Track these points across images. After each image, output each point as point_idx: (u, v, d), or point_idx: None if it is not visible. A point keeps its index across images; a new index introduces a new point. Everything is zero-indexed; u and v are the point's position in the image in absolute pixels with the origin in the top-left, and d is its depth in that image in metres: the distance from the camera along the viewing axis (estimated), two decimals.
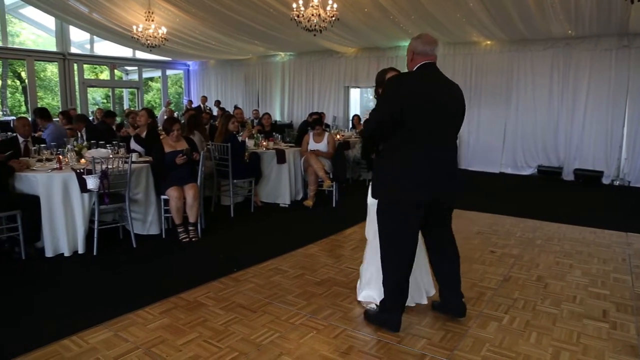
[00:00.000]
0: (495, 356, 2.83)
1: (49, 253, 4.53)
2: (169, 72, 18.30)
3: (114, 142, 5.64)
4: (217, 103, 14.54)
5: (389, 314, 3.10)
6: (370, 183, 3.23)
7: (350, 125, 11.24)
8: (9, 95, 17.75)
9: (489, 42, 10.75)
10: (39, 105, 13.53)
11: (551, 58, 10.01)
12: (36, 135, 7.20)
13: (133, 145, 6.01)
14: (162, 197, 5.18)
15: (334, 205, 6.89)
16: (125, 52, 15.80)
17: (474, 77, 11.08)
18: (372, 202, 3.28)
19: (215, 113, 12.96)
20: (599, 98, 9.53)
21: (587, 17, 8.12)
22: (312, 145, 7.05)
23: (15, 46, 14.60)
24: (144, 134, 6.16)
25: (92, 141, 5.54)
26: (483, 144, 11.04)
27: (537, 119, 10.28)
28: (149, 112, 6.48)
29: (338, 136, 8.22)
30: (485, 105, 10.97)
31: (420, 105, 2.84)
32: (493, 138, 10.88)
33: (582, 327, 3.23)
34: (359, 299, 3.55)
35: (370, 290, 3.46)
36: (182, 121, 6.99)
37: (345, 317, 3.34)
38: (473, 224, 6.00)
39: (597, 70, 9.52)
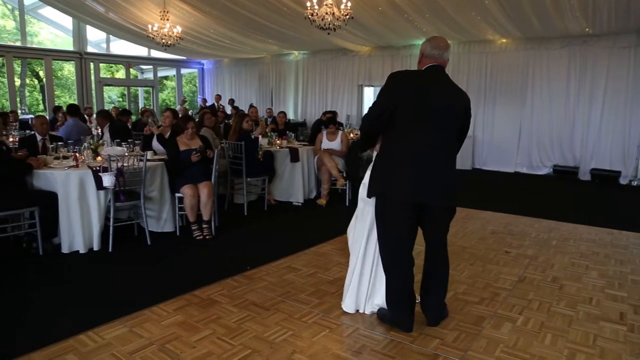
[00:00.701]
0: (510, 357, 2.81)
1: (65, 249, 4.59)
2: (183, 70, 18.44)
3: (129, 140, 5.70)
4: (231, 102, 14.62)
5: (398, 314, 3.09)
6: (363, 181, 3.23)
7: None
8: (27, 94, 18.03)
9: (504, 41, 10.64)
10: (56, 104, 13.75)
11: (568, 56, 9.88)
12: (54, 132, 7.33)
13: (155, 144, 6.03)
14: (177, 195, 5.22)
15: (347, 204, 6.89)
16: (140, 51, 15.96)
17: (489, 75, 10.98)
18: (361, 199, 3.28)
19: (229, 112, 13.02)
20: (616, 96, 9.38)
21: (605, 14, 7.99)
22: (326, 144, 7.05)
23: (33, 46, 14.82)
24: (167, 135, 6.15)
25: (117, 139, 5.60)
26: (498, 143, 10.94)
27: (553, 117, 10.16)
28: (174, 113, 6.49)
29: (351, 135, 8.20)
30: (500, 104, 10.87)
31: (411, 104, 2.85)
32: (508, 137, 10.78)
33: (599, 329, 3.19)
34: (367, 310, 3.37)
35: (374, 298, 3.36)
36: (196, 120, 7.03)
37: (358, 316, 3.33)
38: (487, 223, 5.95)
39: (615, 69, 9.37)
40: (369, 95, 14.08)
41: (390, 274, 3.05)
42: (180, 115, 6.87)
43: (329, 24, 7.91)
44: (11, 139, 6.93)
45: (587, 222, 6.00)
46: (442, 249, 3.14)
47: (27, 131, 7.93)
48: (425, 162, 2.87)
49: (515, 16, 8.66)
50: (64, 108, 12.40)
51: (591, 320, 3.32)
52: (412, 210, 2.92)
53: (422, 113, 2.85)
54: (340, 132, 7.19)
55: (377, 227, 3.09)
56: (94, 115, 9.67)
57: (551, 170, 10.22)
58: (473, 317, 3.34)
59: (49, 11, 14.41)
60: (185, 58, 16.97)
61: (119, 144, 5.37)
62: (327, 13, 7.74)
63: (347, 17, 7.88)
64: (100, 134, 6.71)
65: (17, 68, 15.75)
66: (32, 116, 10.43)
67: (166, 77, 20.72)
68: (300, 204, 6.89)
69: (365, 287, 3.31)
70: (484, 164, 11.14)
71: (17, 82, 15.45)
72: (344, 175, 6.80)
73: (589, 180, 9.55)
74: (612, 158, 9.50)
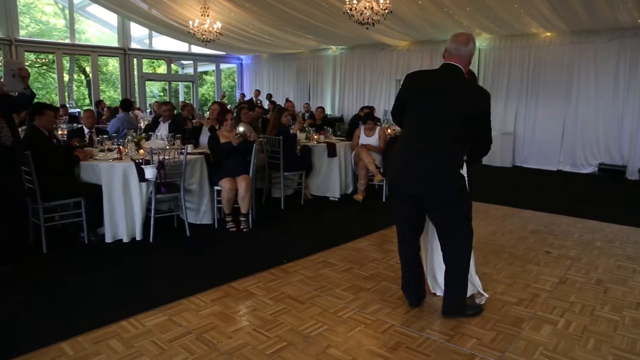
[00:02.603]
0: None
1: (108, 239, 4.76)
2: (222, 66, 18.70)
3: (170, 134, 5.84)
4: (269, 97, 14.74)
5: (406, 294, 3.43)
6: None
7: None
8: (74, 88, 18.71)
9: (548, 34, 10.30)
10: (101, 98, 14.23)
11: (617, 50, 9.45)
12: (102, 126, 7.62)
13: (204, 137, 6.13)
14: (215, 187, 5.32)
15: (384, 199, 6.85)
16: (181, 46, 16.30)
17: (531, 70, 10.64)
18: None
19: (266, 107, 13.14)
20: None
21: None
22: (363, 139, 7.02)
23: (81, 43, 15.36)
24: (217, 127, 6.23)
25: (177, 134, 5.76)
26: (539, 141, 10.60)
27: (599, 114, 9.76)
28: (221, 105, 6.59)
29: (389, 130, 8.13)
30: (543, 100, 10.53)
31: (411, 102, 3.10)
32: (550, 134, 10.43)
33: None
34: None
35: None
36: (234, 114, 7.13)
37: (393, 312, 3.32)
38: (528, 222, 5.80)
39: None
40: None
41: (399, 256, 3.42)
42: (219, 109, 6.96)
43: (368, 19, 7.86)
44: (60, 132, 7.22)
45: (635, 224, 5.75)
46: (444, 248, 3.16)
47: (75, 124, 8.24)
48: (411, 154, 3.06)
49: (560, 8, 8.36)
50: (106, 102, 12.85)
51: (638, 326, 3.19)
52: (406, 199, 3.15)
53: (417, 110, 3.07)
54: (378, 128, 7.15)
55: None
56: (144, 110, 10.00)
57: (596, 168, 9.84)
58: (511, 317, 3.27)
59: (95, 9, 14.91)
60: (224, 53, 17.21)
61: (177, 139, 5.52)
62: (365, 7, 7.68)
63: (386, 11, 7.80)
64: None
65: (66, 64, 16.36)
66: (80, 110, 10.84)
67: (206, 72, 21.08)
68: (336, 199, 6.90)
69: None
70: (524, 161, 10.84)
71: (66, 77, 16.05)
72: (381, 171, 6.76)
73: (637, 180, 9.15)
74: None
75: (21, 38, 13.27)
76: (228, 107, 12.16)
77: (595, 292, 3.75)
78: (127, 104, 8.10)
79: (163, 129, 6.52)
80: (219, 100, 13.33)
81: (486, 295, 3.46)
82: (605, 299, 3.61)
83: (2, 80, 3.78)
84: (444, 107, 2.95)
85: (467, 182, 3.10)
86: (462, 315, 3.23)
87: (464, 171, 3.09)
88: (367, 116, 7.33)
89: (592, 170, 9.94)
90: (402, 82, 3.24)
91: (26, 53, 13.73)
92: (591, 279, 4.01)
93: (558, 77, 10.26)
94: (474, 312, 3.28)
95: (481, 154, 3.21)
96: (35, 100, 4.39)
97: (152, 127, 6.82)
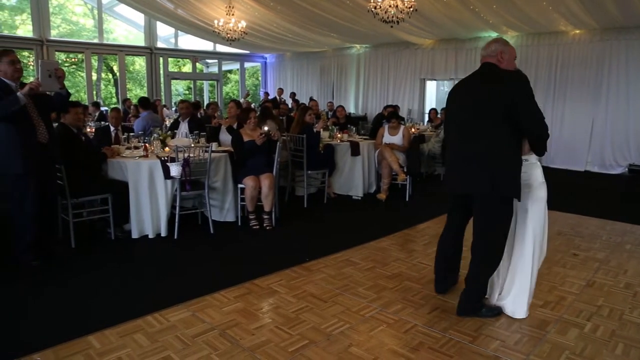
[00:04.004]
0: None
1: (135, 234, 4.85)
2: (247, 64, 18.83)
3: (195, 132, 5.92)
4: (292, 95, 14.79)
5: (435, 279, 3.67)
6: None
7: (427, 119, 11.01)
8: (102, 87, 19.08)
9: (577, 32, 10.06)
10: (128, 97, 14.50)
11: None
12: (128, 124, 7.76)
13: (223, 135, 6.21)
14: (239, 185, 5.36)
15: (407, 199, 6.81)
16: (206, 45, 16.47)
17: (559, 69, 10.41)
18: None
19: (290, 105, 13.18)
20: None
21: None
22: (387, 138, 6.99)
23: (109, 42, 15.67)
24: (234, 125, 6.30)
25: (196, 131, 5.85)
26: (567, 140, 10.37)
27: (630, 114, 9.50)
28: (237, 103, 6.66)
29: (413, 129, 8.08)
30: (571, 99, 10.29)
31: (449, 104, 3.35)
32: (579, 134, 10.20)
33: None
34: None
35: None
36: (258, 113, 7.17)
37: (416, 312, 3.31)
38: (554, 224, 5.68)
39: None
40: (432, 90, 13.80)
41: None
42: (243, 108, 7.03)
43: (392, 17, 7.81)
44: (88, 130, 7.38)
45: None
46: (476, 241, 3.18)
47: (102, 122, 8.41)
48: (456, 155, 3.20)
49: (590, 5, 8.16)
50: (132, 100, 13.08)
51: None
52: (454, 199, 3.39)
53: (451, 111, 3.32)
54: (402, 127, 7.10)
55: None
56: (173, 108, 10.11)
57: (626, 169, 9.59)
58: (537, 320, 3.21)
59: (123, 9, 15.17)
60: (248, 52, 17.32)
61: (202, 137, 5.60)
62: (390, 6, 7.63)
63: (411, 9, 7.73)
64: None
65: (94, 63, 16.71)
66: (107, 108, 11.06)
67: (230, 71, 21.25)
68: (359, 198, 6.89)
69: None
70: (551, 161, 10.62)
71: (94, 76, 16.39)
72: (405, 170, 6.72)
73: None
74: None
75: (52, 38, 13.60)
76: (252, 105, 12.29)
77: (624, 295, 3.66)
78: (145, 103, 8.17)
79: (183, 128, 6.63)
80: (239, 100, 13.45)
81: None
82: (635, 303, 3.52)
83: (38, 80, 3.87)
84: (476, 103, 3.03)
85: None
86: (479, 314, 3.24)
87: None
88: (391, 115, 7.29)
89: (621, 171, 9.69)
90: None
91: (57, 53, 14.06)
92: (620, 282, 3.91)
93: (587, 75, 10.02)
94: (492, 313, 3.25)
95: (539, 139, 3.00)
96: None
97: (175, 126, 6.93)
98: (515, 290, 3.23)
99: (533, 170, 3.18)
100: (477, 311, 3.24)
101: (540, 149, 3.07)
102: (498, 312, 3.27)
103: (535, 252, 3.17)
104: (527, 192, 3.12)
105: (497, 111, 2.92)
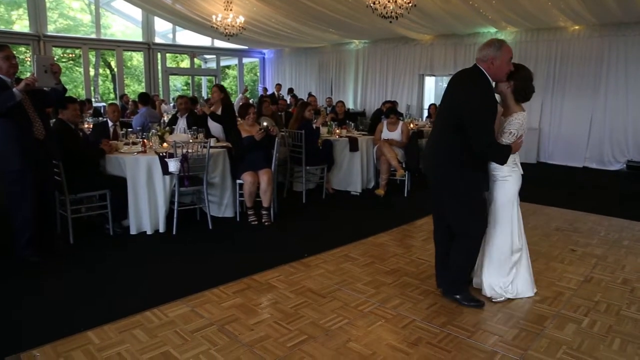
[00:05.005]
0: None
1: (133, 231, 4.85)
2: (245, 60, 18.79)
3: (193, 128, 5.90)
4: (290, 91, 14.76)
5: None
6: None
7: (426, 115, 11.00)
8: (100, 83, 19.03)
9: (576, 27, 10.06)
10: (126, 92, 14.46)
11: None
12: (127, 120, 7.74)
13: (210, 123, 6.20)
14: (238, 181, 5.36)
15: (405, 195, 6.81)
16: (204, 41, 16.42)
17: (558, 65, 10.41)
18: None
19: (288, 101, 13.16)
20: None
21: None
22: (386, 134, 6.99)
23: (107, 37, 15.62)
24: (218, 111, 6.30)
25: (195, 127, 5.85)
26: (565, 136, 10.38)
27: (629, 110, 9.50)
28: (220, 87, 6.59)
29: (412, 125, 8.08)
30: (570, 95, 10.29)
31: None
32: (577, 130, 10.20)
33: None
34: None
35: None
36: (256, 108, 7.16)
37: (414, 307, 3.32)
38: (552, 220, 5.70)
39: None
40: (430, 85, 13.78)
41: None
42: (242, 103, 7.03)
43: (391, 12, 7.80)
44: (86, 125, 7.37)
45: None
46: (455, 236, 3.35)
47: (100, 118, 8.39)
48: (429, 143, 3.48)
49: (590, 0, 8.15)
50: (129, 96, 13.05)
51: None
52: (433, 192, 3.47)
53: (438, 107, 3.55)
54: (400, 123, 7.10)
55: None
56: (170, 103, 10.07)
57: (624, 165, 9.61)
58: (534, 315, 3.23)
59: (120, 4, 15.12)
60: (247, 47, 17.28)
61: (200, 132, 5.60)
62: (389, 1, 7.64)
63: (410, 4, 7.73)
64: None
65: (92, 59, 16.65)
66: (105, 104, 11.03)
67: (228, 67, 21.21)
68: (358, 194, 6.89)
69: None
70: (549, 157, 10.64)
71: (92, 72, 16.33)
72: (404, 166, 6.72)
73: None
74: None
75: (49, 33, 13.55)
76: (250, 101, 12.26)
77: (621, 291, 3.67)
78: (145, 98, 8.16)
79: (182, 123, 6.60)
80: (240, 95, 13.43)
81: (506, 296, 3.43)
82: (632, 299, 3.53)
83: (34, 75, 3.85)
84: (446, 104, 3.28)
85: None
86: (453, 297, 3.39)
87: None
88: (389, 111, 7.29)
89: (619, 167, 9.71)
90: None
91: (54, 48, 14.01)
92: (617, 278, 3.93)
93: (586, 71, 10.02)
94: (470, 304, 3.34)
95: (484, 158, 3.25)
96: None
97: (173, 122, 6.91)
98: (484, 277, 3.44)
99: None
100: (453, 294, 3.41)
101: (493, 161, 3.28)
102: (476, 304, 3.34)
103: (491, 243, 3.36)
104: (493, 183, 3.36)
105: (454, 117, 3.15)
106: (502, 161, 3.18)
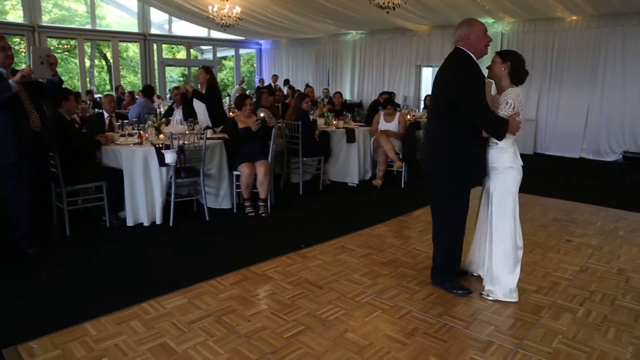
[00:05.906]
0: (568, 349, 2.71)
1: (129, 222, 4.84)
2: (241, 51, 18.68)
3: (189, 119, 5.88)
4: (286, 82, 14.70)
5: None
6: None
7: (423, 106, 10.98)
8: (95, 74, 18.89)
9: (574, 18, 10.02)
10: (121, 83, 14.37)
11: None
12: (123, 111, 7.71)
13: (195, 103, 6.27)
14: (234, 172, 5.35)
15: (402, 186, 6.82)
16: (200, 31, 16.31)
17: (556, 56, 10.38)
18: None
19: (285, 92, 13.11)
20: None
21: None
22: (383, 125, 6.97)
23: (102, 28, 15.49)
24: (204, 91, 6.33)
25: (191, 118, 5.88)
26: (562, 127, 10.38)
27: (626, 100, 9.50)
28: (206, 68, 6.55)
29: (409, 116, 8.06)
30: (567, 85, 10.28)
31: None
32: (574, 121, 10.20)
33: None
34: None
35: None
36: (254, 100, 7.13)
37: (411, 298, 3.33)
38: (548, 210, 5.72)
39: None
40: (427, 76, 13.72)
41: None
42: (230, 94, 7.03)
43: (388, 3, 7.76)
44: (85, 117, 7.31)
45: None
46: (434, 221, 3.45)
47: (96, 109, 8.35)
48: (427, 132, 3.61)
49: None
50: (125, 87, 12.96)
51: None
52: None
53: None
54: (397, 114, 7.09)
55: None
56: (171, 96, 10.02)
57: (621, 156, 9.63)
58: (530, 305, 3.24)
59: None
60: (243, 38, 17.18)
61: (197, 124, 5.60)
62: None
63: None
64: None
65: (87, 50, 16.52)
66: (100, 95, 10.97)
67: (225, 58, 21.08)
68: (355, 185, 6.89)
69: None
70: (546, 148, 10.65)
71: (87, 63, 16.22)
72: (401, 157, 6.72)
73: None
74: None
75: (44, 24, 13.42)
76: (247, 92, 12.20)
77: (616, 281, 3.69)
78: (148, 90, 8.19)
79: (177, 115, 6.58)
80: (237, 86, 13.36)
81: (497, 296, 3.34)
82: (627, 288, 3.56)
83: (30, 67, 3.82)
84: (434, 87, 3.38)
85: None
86: (442, 286, 3.45)
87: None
88: (386, 102, 7.28)
89: (616, 158, 9.73)
90: None
91: (49, 39, 13.89)
92: (612, 268, 3.95)
93: (583, 62, 10.00)
94: (458, 292, 3.38)
95: (483, 127, 3.17)
96: None
97: (169, 113, 6.88)
98: (494, 268, 3.35)
99: (500, 155, 3.24)
100: (441, 283, 3.47)
101: (492, 135, 3.18)
102: (464, 292, 3.38)
103: (495, 235, 3.29)
104: (492, 176, 3.30)
105: (443, 99, 3.21)
106: (500, 134, 3.11)
